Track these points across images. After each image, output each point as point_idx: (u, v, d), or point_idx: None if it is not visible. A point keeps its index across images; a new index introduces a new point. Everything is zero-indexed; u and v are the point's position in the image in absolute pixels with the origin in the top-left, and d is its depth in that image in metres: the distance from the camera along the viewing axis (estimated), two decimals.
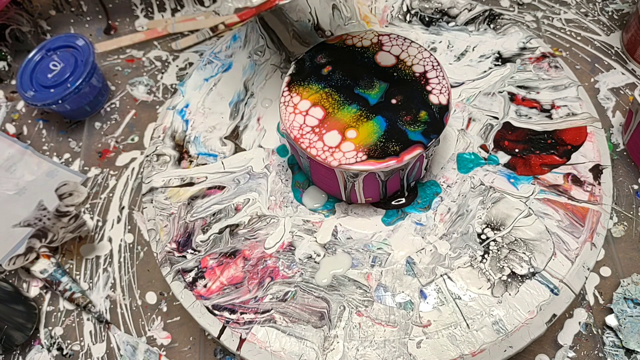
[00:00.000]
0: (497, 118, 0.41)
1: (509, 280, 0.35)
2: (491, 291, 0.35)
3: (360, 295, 0.36)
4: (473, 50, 0.45)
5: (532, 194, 0.38)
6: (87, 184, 0.51)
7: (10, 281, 0.45)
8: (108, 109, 0.56)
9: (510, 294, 0.34)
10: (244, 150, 0.43)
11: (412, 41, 0.39)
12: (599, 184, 0.37)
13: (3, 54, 0.59)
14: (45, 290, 0.47)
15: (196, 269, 0.38)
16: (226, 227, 0.39)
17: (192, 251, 0.38)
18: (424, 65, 0.37)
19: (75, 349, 0.44)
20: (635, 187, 0.45)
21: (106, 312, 0.45)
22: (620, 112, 0.49)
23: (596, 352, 0.39)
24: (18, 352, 0.44)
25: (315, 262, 0.37)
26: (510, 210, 0.37)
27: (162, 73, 0.57)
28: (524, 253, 0.36)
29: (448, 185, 0.39)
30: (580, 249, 0.35)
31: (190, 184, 0.41)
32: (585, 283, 0.36)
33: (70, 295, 0.45)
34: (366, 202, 0.39)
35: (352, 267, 0.37)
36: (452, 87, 0.44)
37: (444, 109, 0.36)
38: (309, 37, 0.48)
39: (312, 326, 0.35)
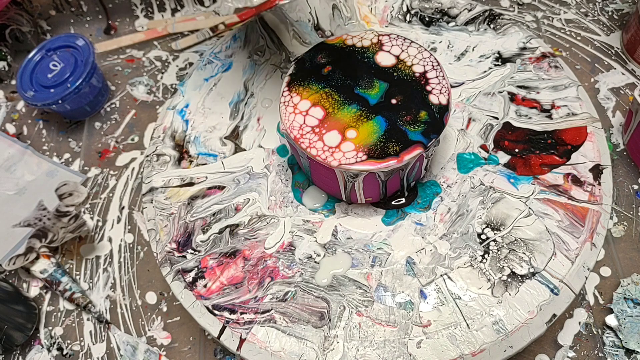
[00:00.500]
0: (497, 118, 0.41)
1: (509, 280, 0.35)
2: (491, 291, 0.35)
3: (360, 295, 0.36)
4: (473, 50, 0.45)
5: (532, 194, 0.38)
6: (87, 184, 0.51)
7: (10, 281, 0.45)
8: (108, 109, 0.56)
9: (510, 294, 0.34)
10: (244, 150, 0.43)
11: (412, 41, 0.39)
12: (599, 184, 0.37)
13: (3, 54, 0.59)
14: (45, 290, 0.47)
15: (196, 269, 0.38)
16: (226, 227, 0.39)
17: (192, 251, 0.38)
18: (424, 65, 0.37)
19: (75, 349, 0.44)
20: (635, 187, 0.45)
21: (106, 312, 0.45)
22: (620, 112, 0.49)
23: (596, 352, 0.39)
24: (18, 352, 0.44)
25: (315, 262, 0.37)
26: (510, 210, 0.37)
27: (162, 73, 0.57)
28: (524, 253, 0.36)
29: (448, 185, 0.39)
30: (580, 249, 0.35)
31: (190, 184, 0.41)
32: (585, 283, 0.36)
33: (70, 295, 0.45)
34: (366, 202, 0.39)
35: (352, 267, 0.37)
36: (452, 87, 0.44)
37: (444, 109, 0.36)
38: (309, 37, 0.48)
39: (312, 326, 0.35)
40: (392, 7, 0.48)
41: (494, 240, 0.36)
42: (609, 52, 0.52)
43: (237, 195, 0.41)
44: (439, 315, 0.34)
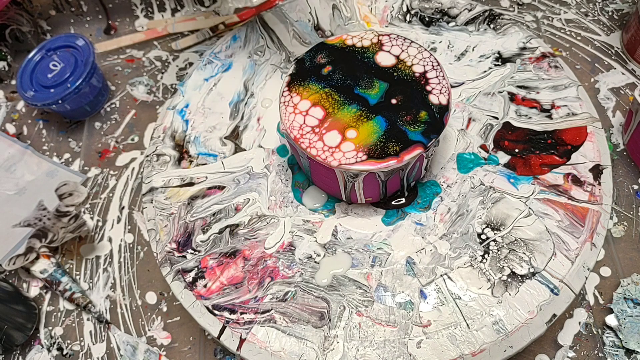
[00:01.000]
0: (497, 118, 0.41)
1: (509, 280, 0.35)
2: (491, 291, 0.35)
3: (360, 295, 0.36)
4: (473, 50, 0.45)
5: (532, 194, 0.38)
6: (87, 184, 0.51)
7: (10, 281, 0.45)
8: (108, 109, 0.56)
9: (510, 294, 0.34)
10: (244, 150, 0.43)
11: (412, 41, 0.39)
12: (599, 184, 0.37)
13: (3, 54, 0.59)
14: (45, 290, 0.47)
15: (196, 269, 0.38)
16: (226, 227, 0.39)
17: (192, 251, 0.38)
18: (424, 65, 0.37)
19: (75, 349, 0.44)
20: (635, 187, 0.45)
21: (106, 312, 0.45)
22: (620, 112, 0.49)
23: (596, 352, 0.39)
24: (18, 352, 0.44)
25: (315, 262, 0.37)
26: (510, 210, 0.37)
27: (162, 73, 0.57)
28: (524, 253, 0.36)
29: (448, 185, 0.39)
30: (580, 249, 0.35)
31: (190, 184, 0.41)
32: (585, 283, 0.36)
33: (70, 295, 0.45)
34: (366, 202, 0.39)
35: (352, 267, 0.37)
36: (452, 87, 0.44)
37: (444, 109, 0.36)
38: (309, 37, 0.48)
39: (312, 326, 0.35)
40: (392, 7, 0.48)
41: (494, 240, 0.36)
42: (609, 52, 0.52)
43: (237, 195, 0.41)
44: (439, 315, 0.34)
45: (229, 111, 0.45)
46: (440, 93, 0.36)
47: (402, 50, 0.38)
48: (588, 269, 0.35)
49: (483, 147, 0.40)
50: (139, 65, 0.58)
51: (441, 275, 0.36)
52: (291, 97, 0.37)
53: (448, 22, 0.47)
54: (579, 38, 0.54)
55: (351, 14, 0.49)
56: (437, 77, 0.37)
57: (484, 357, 0.33)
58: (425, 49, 0.38)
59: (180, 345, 0.43)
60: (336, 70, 0.38)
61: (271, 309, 0.35)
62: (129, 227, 0.49)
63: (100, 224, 0.49)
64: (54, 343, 0.44)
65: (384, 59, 0.38)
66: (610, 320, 0.40)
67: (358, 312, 0.35)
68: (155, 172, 0.42)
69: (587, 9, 0.56)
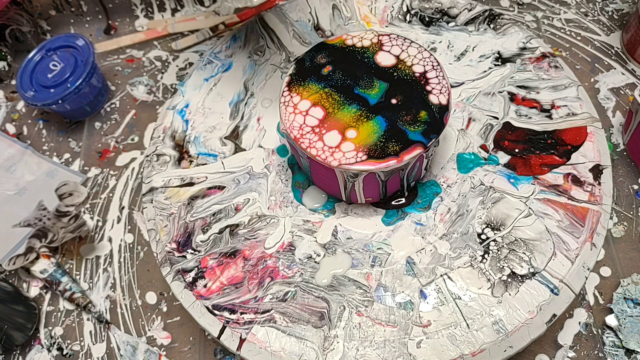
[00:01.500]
0: (497, 118, 0.41)
1: (509, 280, 0.35)
2: (491, 291, 0.35)
3: (360, 295, 0.36)
4: (473, 50, 0.45)
5: (532, 194, 0.38)
6: (87, 184, 0.51)
7: (10, 281, 0.45)
8: (108, 109, 0.56)
9: (510, 294, 0.34)
10: (244, 150, 0.43)
11: (412, 41, 0.39)
12: (599, 184, 0.37)
13: (3, 54, 0.59)
14: (45, 290, 0.47)
15: (196, 269, 0.38)
16: (226, 227, 0.39)
17: (192, 251, 0.38)
18: (424, 65, 0.37)
19: (75, 349, 0.44)
20: (635, 187, 0.45)
21: (106, 312, 0.45)
22: (620, 112, 0.49)
23: (596, 352, 0.39)
24: (18, 352, 0.44)
25: (315, 262, 0.37)
26: (510, 210, 0.37)
27: (162, 73, 0.57)
28: (524, 253, 0.36)
29: (448, 185, 0.39)
30: (580, 249, 0.35)
31: (190, 184, 0.41)
32: (585, 283, 0.36)
33: (70, 295, 0.45)
34: (366, 202, 0.39)
35: (352, 267, 0.37)
36: (452, 87, 0.44)
37: (444, 109, 0.36)
38: (309, 37, 0.48)
39: (312, 326, 0.35)
40: (392, 7, 0.48)
41: (494, 240, 0.36)
42: (609, 52, 0.52)
43: (237, 195, 0.41)
44: (439, 315, 0.34)
45: (229, 111, 0.45)
46: (440, 93, 0.36)
47: (402, 50, 0.38)
48: (588, 269, 0.35)
49: (483, 147, 0.40)
50: (139, 65, 0.58)
51: (441, 275, 0.36)
52: (291, 97, 0.37)
53: (448, 22, 0.47)
54: (579, 38, 0.54)
55: (351, 14, 0.49)
56: (437, 77, 0.37)
57: (484, 357, 0.33)
58: (425, 49, 0.38)
59: (180, 345, 0.43)
60: (336, 70, 0.38)
61: (271, 309, 0.35)
62: (129, 227, 0.49)
63: (100, 224, 0.49)
64: (54, 343, 0.44)
65: (384, 59, 0.38)
66: (610, 320, 0.40)
67: (358, 312, 0.35)
68: (155, 172, 0.42)
69: (587, 9, 0.56)
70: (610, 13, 0.55)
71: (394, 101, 0.36)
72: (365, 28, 0.48)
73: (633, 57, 0.51)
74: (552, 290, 0.34)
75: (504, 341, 0.33)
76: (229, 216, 0.40)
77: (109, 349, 0.43)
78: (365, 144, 0.35)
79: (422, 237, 0.37)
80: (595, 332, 0.40)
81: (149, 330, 0.44)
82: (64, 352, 0.44)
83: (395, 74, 0.37)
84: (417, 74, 0.37)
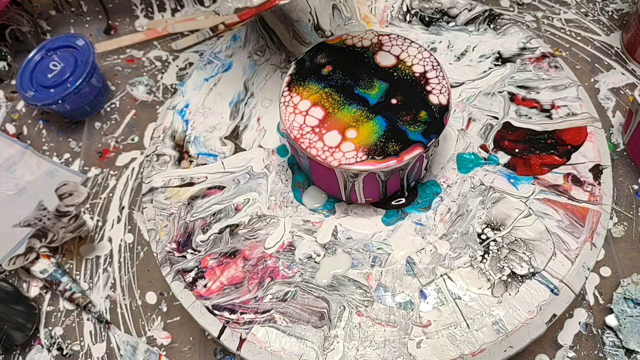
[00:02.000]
0: (497, 118, 0.41)
1: (509, 280, 0.35)
2: (491, 291, 0.35)
3: (360, 295, 0.36)
4: (473, 50, 0.45)
5: (532, 194, 0.38)
6: (87, 184, 0.52)
7: (10, 281, 0.45)
8: (108, 109, 0.56)
9: (510, 294, 0.34)
10: (244, 150, 0.43)
11: (412, 41, 0.39)
12: (599, 184, 0.37)
13: (3, 54, 0.59)
14: (45, 290, 0.47)
15: (196, 269, 0.38)
16: (226, 227, 0.39)
17: (192, 251, 0.38)
18: (424, 65, 0.37)
19: (75, 349, 0.44)
20: (635, 187, 0.45)
21: (106, 312, 0.45)
22: (620, 112, 0.49)
23: (596, 352, 0.39)
24: (18, 352, 0.44)
25: (315, 262, 0.37)
26: (510, 210, 0.37)
27: (162, 73, 0.57)
28: (524, 253, 0.36)
29: (448, 185, 0.39)
30: (580, 249, 0.35)
31: (190, 184, 0.41)
32: (585, 283, 0.36)
33: (70, 295, 0.45)
34: (366, 202, 0.39)
35: (352, 267, 0.37)
36: (452, 87, 0.44)
37: (444, 109, 0.36)
38: (309, 37, 0.48)
39: (312, 326, 0.35)
40: (392, 7, 0.48)
41: (494, 240, 0.36)
42: (609, 52, 0.52)
43: (237, 195, 0.41)
44: (439, 315, 0.34)
45: (229, 111, 0.45)
46: (440, 93, 0.36)
47: (402, 50, 0.38)
48: (588, 269, 0.35)
49: (483, 147, 0.40)
50: (139, 65, 0.58)
51: (441, 275, 0.36)
52: (291, 97, 0.37)
53: (448, 22, 0.47)
54: (579, 38, 0.54)
55: (351, 14, 0.49)
56: (437, 77, 0.37)
57: (484, 357, 0.33)
58: (425, 49, 0.38)
59: (180, 345, 0.43)
60: (336, 70, 0.38)
61: (271, 309, 0.35)
62: (129, 227, 0.49)
63: (100, 224, 0.49)
64: (54, 343, 0.44)
65: (384, 59, 0.38)
66: (610, 320, 0.40)
67: (358, 312, 0.35)
68: (155, 172, 0.42)
69: (587, 9, 0.56)
70: (610, 13, 0.55)
71: (394, 101, 0.36)
72: (365, 28, 0.48)
73: (633, 57, 0.51)
74: (552, 290, 0.34)
75: (504, 341, 0.33)
76: (229, 216, 0.40)
77: (109, 349, 0.43)
78: (365, 144, 0.35)
79: (422, 237, 0.37)
80: (595, 332, 0.40)
81: (149, 330, 0.44)
82: (64, 352, 0.44)
83: (395, 74, 0.37)
84: (417, 74, 0.37)
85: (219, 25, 0.59)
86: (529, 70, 0.43)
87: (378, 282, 0.36)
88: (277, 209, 0.40)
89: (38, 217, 0.48)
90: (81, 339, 0.44)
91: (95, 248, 0.48)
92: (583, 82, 0.50)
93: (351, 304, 0.35)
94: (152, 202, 0.41)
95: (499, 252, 0.36)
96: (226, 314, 0.36)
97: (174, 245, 0.39)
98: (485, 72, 0.44)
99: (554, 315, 0.34)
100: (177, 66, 0.57)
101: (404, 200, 0.39)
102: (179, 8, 0.62)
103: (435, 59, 0.38)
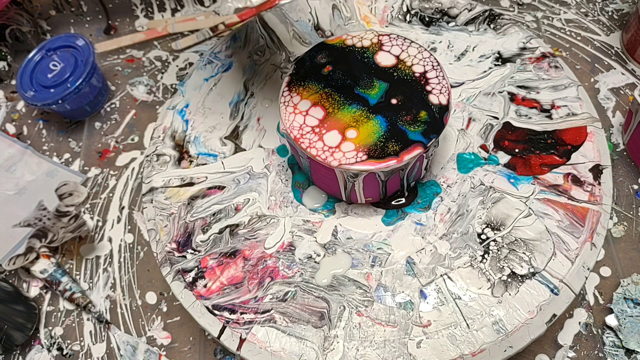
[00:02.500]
0: (497, 118, 0.41)
1: (509, 280, 0.35)
2: (491, 291, 0.35)
3: (360, 295, 0.36)
4: (473, 50, 0.45)
5: (532, 194, 0.38)
6: (87, 184, 0.52)
7: (10, 281, 0.45)
8: (108, 109, 0.56)
9: (510, 294, 0.34)
10: (244, 150, 0.43)
11: (412, 41, 0.39)
12: (599, 184, 0.37)
13: (3, 54, 0.59)
14: (45, 290, 0.47)
15: (196, 269, 0.38)
16: (226, 227, 0.39)
17: (192, 251, 0.38)
18: (424, 65, 0.37)
19: (75, 349, 0.44)
20: (635, 187, 0.45)
21: (106, 312, 0.45)
22: (620, 112, 0.49)
23: (596, 352, 0.39)
24: (18, 352, 0.44)
25: (315, 262, 0.37)
26: (510, 210, 0.37)
27: (162, 73, 0.57)
28: (524, 253, 0.36)
29: (448, 185, 0.39)
30: (580, 249, 0.35)
31: (190, 184, 0.41)
32: (585, 283, 0.36)
33: (70, 295, 0.45)
34: (366, 202, 0.39)
35: (352, 267, 0.37)
36: (452, 87, 0.44)
37: (444, 109, 0.36)
38: (309, 37, 0.48)
39: (312, 326, 0.35)
40: (392, 7, 0.48)
41: (494, 240, 0.36)
42: (609, 52, 0.52)
43: (237, 195, 0.41)
44: (439, 315, 0.34)
45: (229, 111, 0.45)
46: (440, 93, 0.36)
47: (402, 50, 0.38)
48: (588, 269, 0.35)
49: (483, 147, 0.40)
50: (139, 65, 0.58)
51: (441, 275, 0.36)
52: (291, 97, 0.37)
53: (448, 22, 0.47)
54: (579, 38, 0.54)
55: (351, 14, 0.49)
56: (437, 77, 0.37)
57: (484, 357, 0.33)
58: (425, 49, 0.38)
59: (180, 345, 0.43)
60: (336, 70, 0.38)
61: (271, 309, 0.35)
62: (129, 227, 0.49)
63: (100, 224, 0.49)
64: (54, 343, 0.44)
65: (384, 59, 0.38)
66: (610, 320, 0.40)
67: (358, 312, 0.35)
68: (155, 172, 0.42)
69: (587, 9, 0.56)
70: (610, 13, 0.55)
71: (394, 101, 0.36)
72: (365, 28, 0.48)
73: (633, 57, 0.51)
74: (552, 290, 0.34)
75: (504, 341, 0.33)
76: (229, 216, 0.40)
77: (109, 349, 0.43)
78: (365, 144, 0.35)
79: (422, 237, 0.37)
80: (595, 332, 0.40)
81: (149, 330, 0.44)
82: (64, 352, 0.44)
83: (395, 74, 0.37)
84: (417, 74, 0.37)
85: (219, 25, 0.59)
86: (529, 70, 0.43)
87: (378, 282, 0.36)
88: (277, 209, 0.40)
89: (38, 217, 0.48)
90: (81, 339, 0.44)
91: (95, 248, 0.48)
92: (583, 82, 0.50)
93: (351, 304, 0.35)
94: (152, 202, 0.41)
95: (499, 252, 0.36)
96: (226, 314, 0.36)
97: (174, 245, 0.39)
98: (485, 72, 0.44)
99: (554, 315, 0.34)
100: (177, 66, 0.57)
101: (404, 200, 0.39)
102: (179, 8, 0.62)
103: (435, 59, 0.38)
